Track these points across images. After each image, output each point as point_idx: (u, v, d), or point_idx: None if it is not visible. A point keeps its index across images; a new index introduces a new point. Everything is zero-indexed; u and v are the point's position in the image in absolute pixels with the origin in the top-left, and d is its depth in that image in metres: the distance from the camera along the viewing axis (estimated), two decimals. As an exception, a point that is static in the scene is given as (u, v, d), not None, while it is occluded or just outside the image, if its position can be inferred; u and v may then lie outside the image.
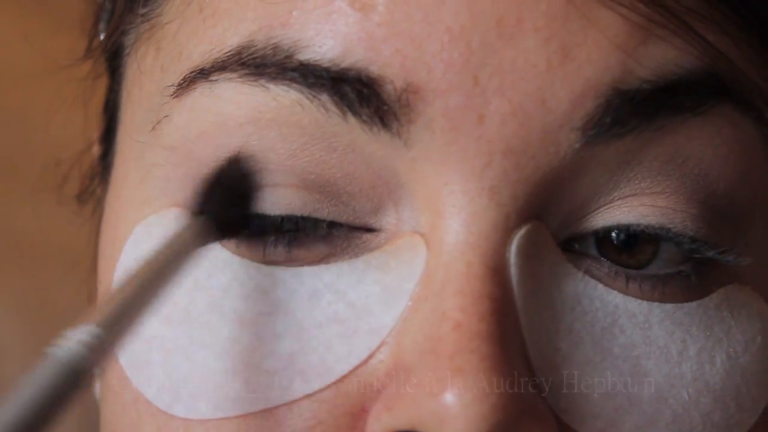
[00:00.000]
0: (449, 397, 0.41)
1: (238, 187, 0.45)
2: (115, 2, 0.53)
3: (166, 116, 0.47)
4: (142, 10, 0.50)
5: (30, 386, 0.37)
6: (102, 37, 0.56)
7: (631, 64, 0.43)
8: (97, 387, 0.56)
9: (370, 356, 0.44)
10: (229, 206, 0.46)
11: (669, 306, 0.45)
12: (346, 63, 0.44)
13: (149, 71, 0.49)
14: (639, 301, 0.45)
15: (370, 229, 0.46)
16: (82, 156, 0.66)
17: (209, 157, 0.46)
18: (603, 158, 0.44)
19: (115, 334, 0.40)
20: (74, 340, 0.39)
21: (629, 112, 0.43)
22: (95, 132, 0.61)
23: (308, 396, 0.44)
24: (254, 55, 0.45)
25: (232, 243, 0.46)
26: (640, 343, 0.45)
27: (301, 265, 0.45)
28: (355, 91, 0.43)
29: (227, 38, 0.45)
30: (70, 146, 0.66)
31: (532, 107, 0.43)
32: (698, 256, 0.46)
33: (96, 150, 0.60)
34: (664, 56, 0.44)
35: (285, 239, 0.46)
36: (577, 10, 0.43)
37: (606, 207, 0.45)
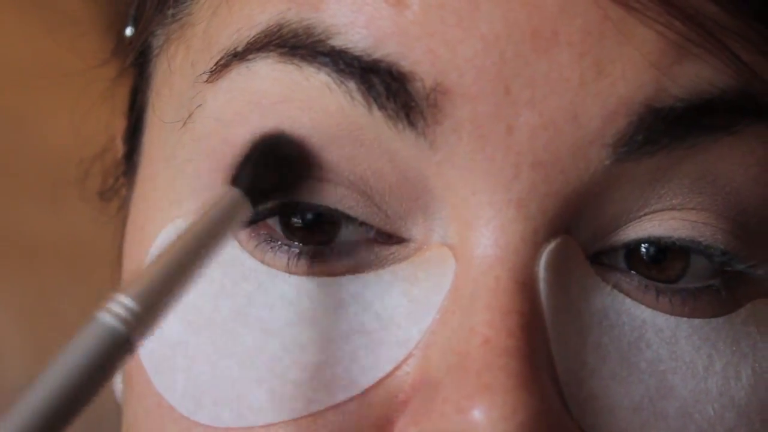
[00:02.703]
0: (477, 414, 0.41)
1: (280, 156, 0.45)
2: (144, 3, 0.53)
3: (200, 105, 0.47)
4: (171, 11, 0.50)
5: (79, 350, 0.38)
6: (128, 37, 0.56)
7: (665, 82, 0.43)
8: (119, 388, 0.56)
9: (396, 368, 0.44)
10: (266, 175, 0.45)
11: (696, 321, 0.45)
12: (377, 54, 0.43)
13: (179, 69, 0.49)
14: (666, 315, 0.45)
15: (399, 239, 0.45)
16: (95, 157, 0.65)
17: (242, 140, 0.46)
18: (633, 175, 0.44)
19: (153, 313, 0.40)
20: (116, 312, 0.39)
21: (662, 131, 0.43)
22: (89, 135, 0.60)
23: (333, 407, 0.44)
24: (289, 35, 0.44)
25: (257, 251, 0.46)
26: (667, 358, 0.45)
27: (326, 276, 0.45)
28: (384, 84, 0.43)
29: (255, 16, 0.45)
30: (75, 146, 0.66)
31: (563, 121, 0.43)
32: (729, 269, 0.46)
33: (120, 148, 0.60)
34: (698, 75, 0.43)
35: (310, 251, 0.45)
36: (613, 27, 0.43)
37: (636, 221, 0.45)
